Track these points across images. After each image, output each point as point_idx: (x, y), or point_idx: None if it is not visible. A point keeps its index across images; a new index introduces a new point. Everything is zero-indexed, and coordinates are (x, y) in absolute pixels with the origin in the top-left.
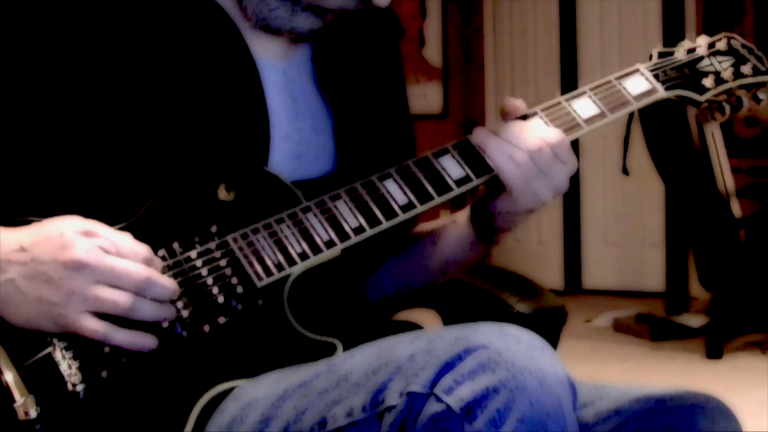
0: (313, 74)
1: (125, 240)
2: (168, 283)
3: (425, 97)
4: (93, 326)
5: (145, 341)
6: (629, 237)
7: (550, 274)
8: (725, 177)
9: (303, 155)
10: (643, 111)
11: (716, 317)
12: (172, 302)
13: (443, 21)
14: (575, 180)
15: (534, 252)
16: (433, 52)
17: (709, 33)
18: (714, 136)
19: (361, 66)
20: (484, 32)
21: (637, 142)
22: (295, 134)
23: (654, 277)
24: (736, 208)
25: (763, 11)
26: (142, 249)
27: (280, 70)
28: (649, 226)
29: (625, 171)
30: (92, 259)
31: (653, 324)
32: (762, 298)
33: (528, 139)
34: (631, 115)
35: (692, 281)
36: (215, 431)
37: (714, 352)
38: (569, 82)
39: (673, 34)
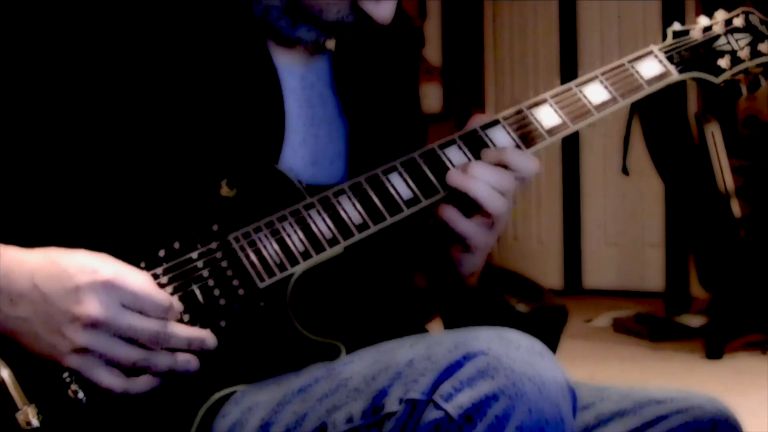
0: (332, 81)
1: (145, 289)
2: (185, 333)
3: (425, 97)
4: (110, 382)
5: (157, 381)
6: (629, 237)
7: (550, 274)
8: (725, 177)
9: (319, 161)
10: (643, 111)
11: (716, 317)
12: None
13: (443, 21)
14: (575, 180)
15: (534, 252)
16: (433, 52)
17: None
18: (714, 135)
19: (380, 76)
20: (484, 32)
21: (637, 142)
22: (312, 140)
23: (654, 277)
24: (736, 208)
25: (763, 11)
26: (162, 298)
27: (298, 75)
28: (649, 226)
29: (625, 171)
30: (108, 318)
31: (653, 324)
32: (762, 298)
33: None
34: (631, 115)
35: (692, 281)
36: None
37: (714, 353)
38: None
39: None
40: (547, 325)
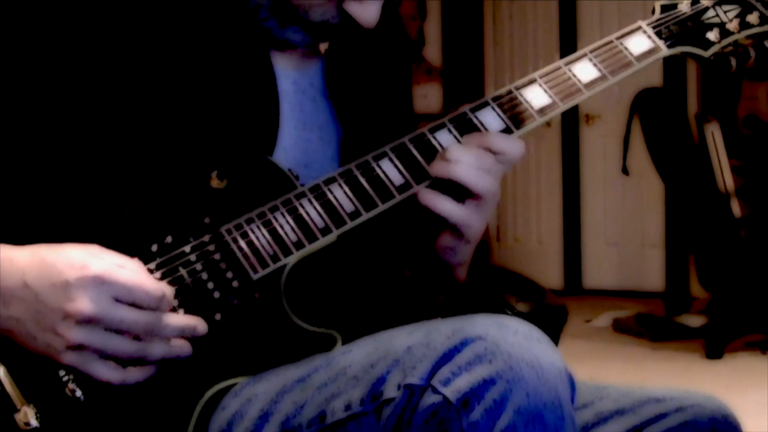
0: (324, 87)
1: (137, 281)
2: (177, 322)
3: (425, 97)
4: (107, 376)
5: (153, 369)
6: (629, 237)
7: (550, 274)
8: (725, 177)
9: (311, 165)
10: (643, 111)
11: (716, 317)
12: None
13: (443, 21)
14: (575, 180)
15: (534, 252)
16: (433, 52)
17: None
18: (714, 135)
19: (372, 81)
20: (485, 32)
21: (637, 142)
22: (303, 144)
23: (654, 277)
24: (736, 208)
25: None
26: (154, 288)
27: (291, 79)
28: (649, 226)
29: (625, 171)
30: (100, 313)
31: (653, 324)
32: (762, 298)
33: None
34: (631, 115)
35: (692, 281)
36: (217, 428)
37: (714, 353)
38: None
39: None
40: (547, 324)
